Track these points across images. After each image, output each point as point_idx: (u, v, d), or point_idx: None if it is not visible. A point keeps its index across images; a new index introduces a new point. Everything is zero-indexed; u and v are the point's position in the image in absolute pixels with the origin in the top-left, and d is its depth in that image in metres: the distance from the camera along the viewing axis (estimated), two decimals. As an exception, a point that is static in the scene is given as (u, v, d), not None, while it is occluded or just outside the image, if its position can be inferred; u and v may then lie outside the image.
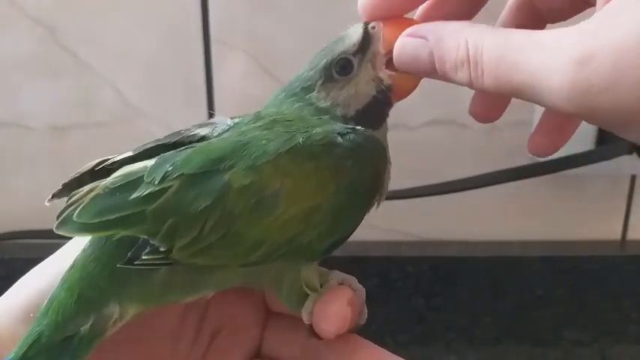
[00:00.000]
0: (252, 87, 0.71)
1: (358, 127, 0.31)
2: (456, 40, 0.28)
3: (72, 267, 0.30)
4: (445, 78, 0.30)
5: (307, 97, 0.33)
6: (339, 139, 0.30)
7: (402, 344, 0.72)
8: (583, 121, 0.28)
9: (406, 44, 0.31)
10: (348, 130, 0.31)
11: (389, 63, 0.33)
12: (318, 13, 0.68)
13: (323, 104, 0.33)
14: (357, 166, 0.30)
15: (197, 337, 0.36)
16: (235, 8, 0.69)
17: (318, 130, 0.30)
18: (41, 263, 0.33)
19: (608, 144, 0.68)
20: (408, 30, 0.31)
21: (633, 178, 0.74)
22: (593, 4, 0.27)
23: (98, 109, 0.73)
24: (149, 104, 0.72)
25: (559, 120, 0.33)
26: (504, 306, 0.76)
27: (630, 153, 0.69)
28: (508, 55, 0.27)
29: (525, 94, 0.27)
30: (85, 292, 0.30)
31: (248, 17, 0.69)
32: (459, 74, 0.29)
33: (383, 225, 0.74)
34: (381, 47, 0.33)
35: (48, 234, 0.67)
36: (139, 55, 0.71)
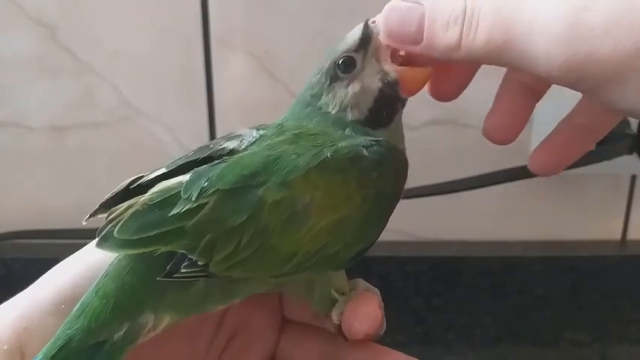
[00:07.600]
0: (252, 87, 0.71)
1: (381, 139, 0.32)
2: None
3: (106, 275, 0.30)
4: (429, 44, 0.28)
5: (318, 104, 0.33)
6: (365, 152, 0.31)
7: (402, 344, 0.72)
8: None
9: (398, 7, 0.29)
10: (372, 143, 0.31)
11: (395, 57, 0.32)
12: (318, 13, 0.68)
13: (333, 110, 0.33)
14: (381, 178, 0.31)
15: (214, 339, 0.36)
16: (235, 8, 0.69)
17: (344, 143, 0.31)
18: (72, 255, 0.33)
19: (608, 144, 0.67)
20: None
21: (633, 178, 0.74)
22: None
23: (98, 109, 0.73)
24: (149, 104, 0.72)
25: (568, 137, 0.34)
26: (504, 306, 0.76)
27: (630, 153, 0.69)
28: (507, 6, 0.26)
29: (518, 50, 0.26)
30: (121, 301, 0.30)
31: (248, 17, 0.69)
32: (448, 33, 0.27)
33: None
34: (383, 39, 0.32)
35: (48, 234, 0.67)
36: (139, 55, 0.71)
